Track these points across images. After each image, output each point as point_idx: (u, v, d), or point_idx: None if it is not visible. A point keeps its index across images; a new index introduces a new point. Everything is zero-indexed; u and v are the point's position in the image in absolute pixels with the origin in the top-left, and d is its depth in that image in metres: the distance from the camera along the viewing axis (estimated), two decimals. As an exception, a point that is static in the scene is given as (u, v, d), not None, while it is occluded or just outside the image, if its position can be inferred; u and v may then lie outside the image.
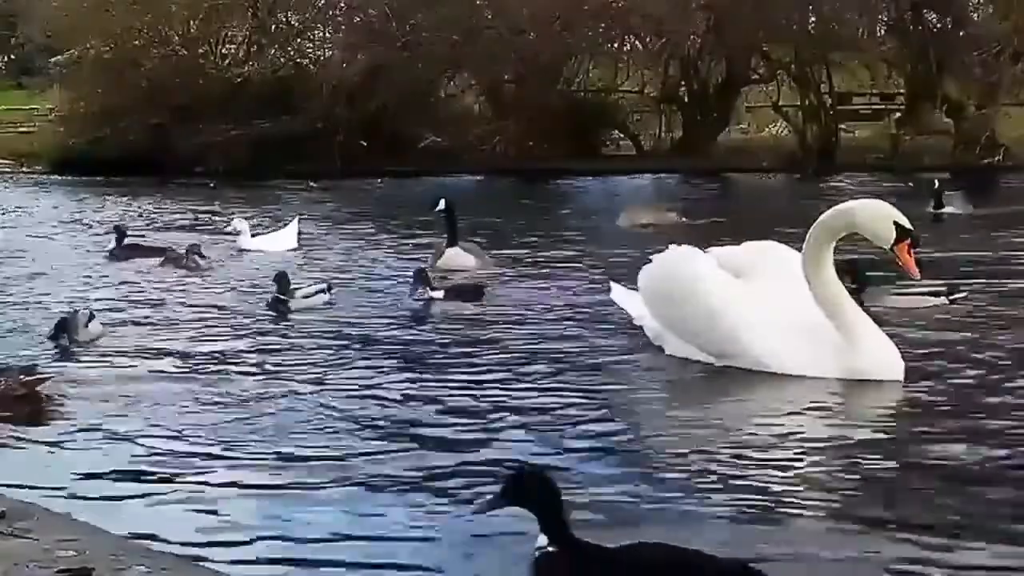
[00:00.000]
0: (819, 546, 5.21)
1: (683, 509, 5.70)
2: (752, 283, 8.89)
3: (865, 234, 8.52)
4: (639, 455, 6.64)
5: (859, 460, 6.54)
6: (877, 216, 8.40)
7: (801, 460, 6.57)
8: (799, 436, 7.06)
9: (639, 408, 8.01)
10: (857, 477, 6.25)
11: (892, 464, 6.54)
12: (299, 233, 16.95)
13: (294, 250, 16.22)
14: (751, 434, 7.10)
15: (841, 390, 8.08)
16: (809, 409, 7.69)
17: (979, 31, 34.26)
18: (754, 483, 6.10)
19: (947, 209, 19.93)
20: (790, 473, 6.32)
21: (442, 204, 15.27)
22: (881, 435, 7.25)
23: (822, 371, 8.25)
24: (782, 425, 7.30)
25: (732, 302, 8.71)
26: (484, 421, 7.26)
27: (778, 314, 8.50)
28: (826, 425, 7.41)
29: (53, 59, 43.64)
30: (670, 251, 9.60)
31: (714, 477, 6.19)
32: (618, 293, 10.16)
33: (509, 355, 9.12)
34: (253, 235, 16.79)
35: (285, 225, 17.53)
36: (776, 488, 6.00)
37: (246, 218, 17.56)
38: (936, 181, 21.15)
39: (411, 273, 12.37)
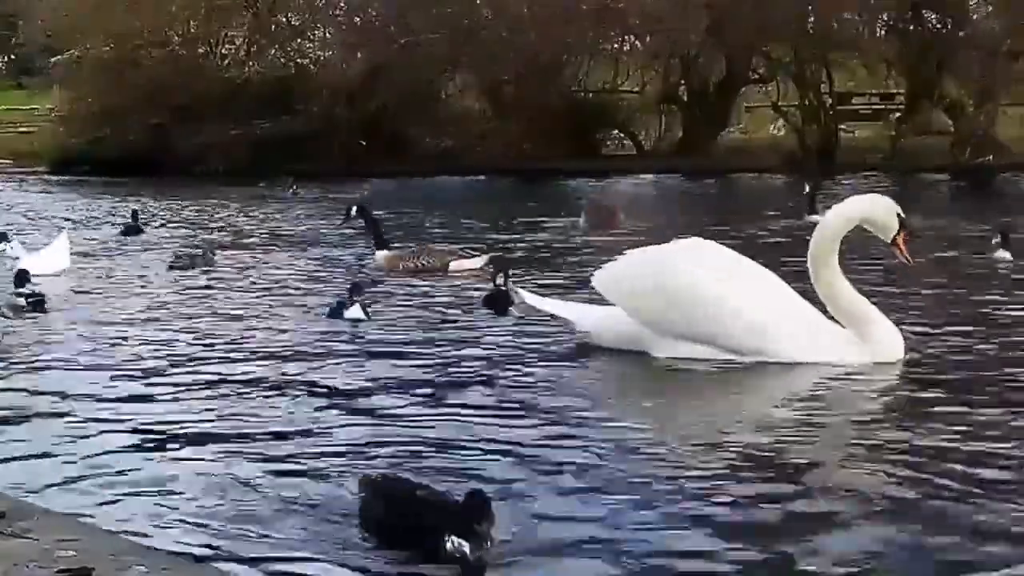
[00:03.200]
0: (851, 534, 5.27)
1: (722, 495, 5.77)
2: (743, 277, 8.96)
3: (873, 227, 8.89)
4: (683, 452, 6.57)
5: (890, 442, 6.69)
6: (886, 210, 8.83)
7: (841, 447, 6.69)
8: (835, 423, 7.20)
9: (656, 410, 7.86)
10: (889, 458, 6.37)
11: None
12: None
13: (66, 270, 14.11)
14: (776, 423, 7.14)
15: (853, 374, 8.26)
16: (834, 394, 7.86)
17: (979, 31, 34.30)
18: (786, 470, 6.20)
19: (818, 217, 18.91)
20: (830, 459, 6.45)
21: (354, 211, 14.88)
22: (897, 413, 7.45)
23: (836, 358, 8.44)
24: (817, 412, 7.42)
25: (750, 297, 8.75)
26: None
27: (788, 306, 8.73)
28: (854, 410, 7.57)
29: (53, 59, 43.73)
30: (658, 252, 9.37)
31: (747, 464, 6.30)
32: (537, 300, 9.78)
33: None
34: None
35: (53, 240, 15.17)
36: (813, 475, 6.10)
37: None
38: (806, 186, 20.00)
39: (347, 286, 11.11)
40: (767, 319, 8.61)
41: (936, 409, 7.30)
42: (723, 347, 8.67)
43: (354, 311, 10.47)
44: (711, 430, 7.00)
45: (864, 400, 7.80)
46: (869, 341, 8.50)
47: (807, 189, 20.08)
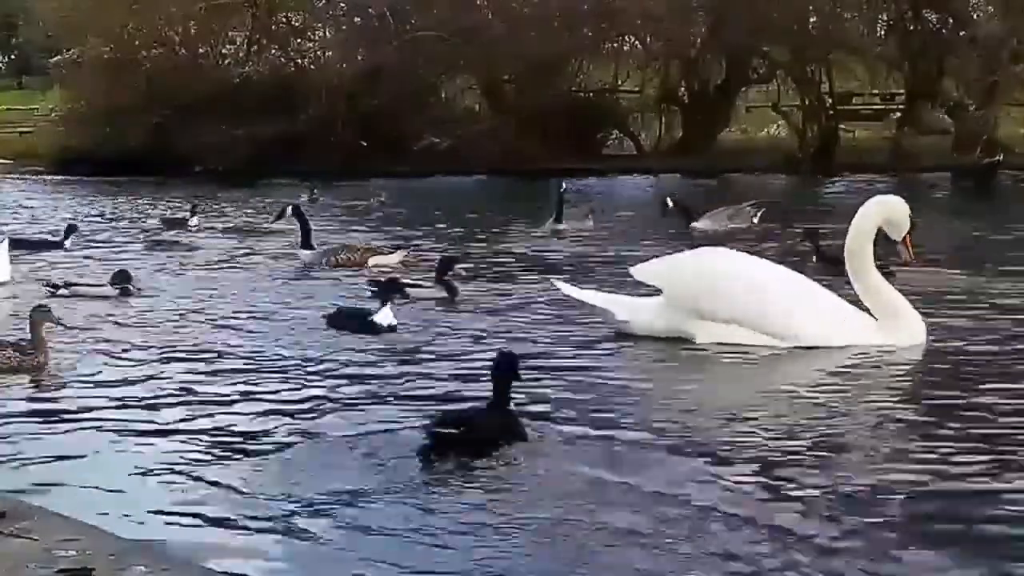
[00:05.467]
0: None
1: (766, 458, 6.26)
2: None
3: (890, 225, 9.62)
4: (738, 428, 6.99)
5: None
6: (903, 211, 9.64)
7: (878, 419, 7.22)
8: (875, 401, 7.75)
9: (692, 391, 8.26)
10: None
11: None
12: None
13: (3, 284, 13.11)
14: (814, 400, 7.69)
15: (880, 357, 8.91)
16: (864, 375, 8.50)
17: (979, 31, 34.26)
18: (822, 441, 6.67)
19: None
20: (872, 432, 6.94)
21: (289, 211, 15.39)
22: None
23: (865, 341, 9.17)
24: (847, 391, 8.00)
25: (787, 287, 9.58)
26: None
27: (820, 297, 9.54)
28: (882, 390, 8.12)
29: (53, 59, 43.74)
30: (708, 250, 10.53)
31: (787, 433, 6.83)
32: (576, 292, 10.35)
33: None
34: None
35: None
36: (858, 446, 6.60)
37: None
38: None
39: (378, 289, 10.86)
40: (802, 305, 9.41)
41: (956, 390, 7.80)
42: (760, 331, 9.34)
43: (385, 315, 9.92)
44: (744, 409, 7.39)
45: (891, 380, 8.36)
46: (896, 327, 9.23)
47: (670, 205, 19.06)
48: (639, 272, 10.10)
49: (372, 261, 14.51)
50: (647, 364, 9.14)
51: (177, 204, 24.79)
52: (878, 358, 8.86)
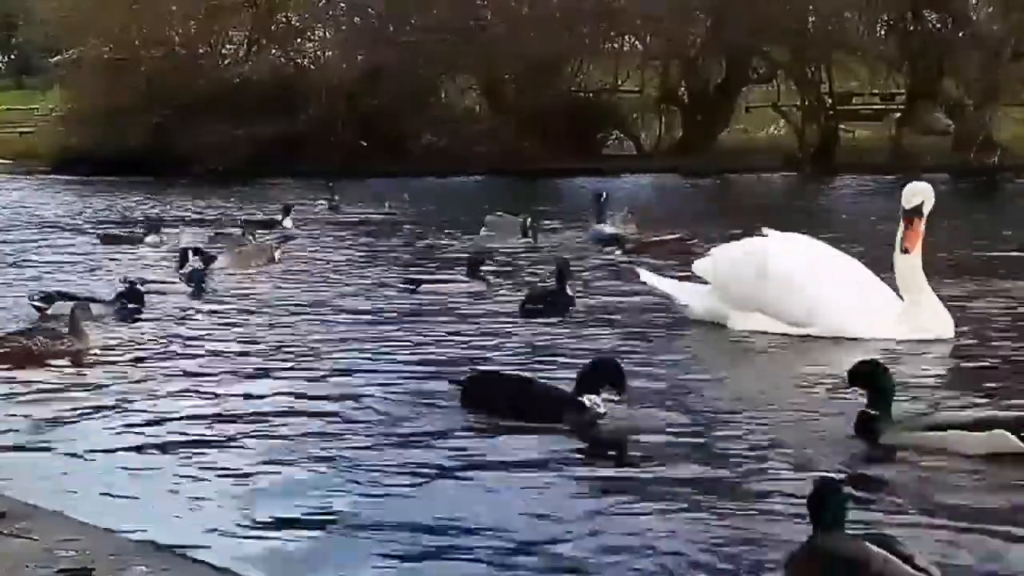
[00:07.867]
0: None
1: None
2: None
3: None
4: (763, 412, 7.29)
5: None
6: (907, 192, 9.71)
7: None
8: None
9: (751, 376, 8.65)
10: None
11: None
12: None
13: None
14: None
15: (906, 348, 9.20)
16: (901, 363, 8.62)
17: (979, 31, 34.27)
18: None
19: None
20: None
21: (191, 256, 15.39)
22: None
23: (893, 334, 9.40)
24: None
25: (821, 278, 9.83)
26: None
27: (857, 288, 9.79)
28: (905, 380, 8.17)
29: (53, 59, 43.74)
30: (753, 241, 10.63)
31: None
32: (654, 279, 11.02)
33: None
34: None
35: None
36: None
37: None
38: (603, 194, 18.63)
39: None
40: (829, 294, 9.68)
41: (981, 382, 8.06)
42: (788, 320, 9.74)
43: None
44: (764, 395, 7.73)
45: (916, 372, 8.49)
46: (923, 319, 9.45)
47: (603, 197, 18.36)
48: (697, 267, 10.71)
49: (278, 255, 15.31)
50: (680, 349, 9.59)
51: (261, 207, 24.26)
52: (903, 350, 9.08)
